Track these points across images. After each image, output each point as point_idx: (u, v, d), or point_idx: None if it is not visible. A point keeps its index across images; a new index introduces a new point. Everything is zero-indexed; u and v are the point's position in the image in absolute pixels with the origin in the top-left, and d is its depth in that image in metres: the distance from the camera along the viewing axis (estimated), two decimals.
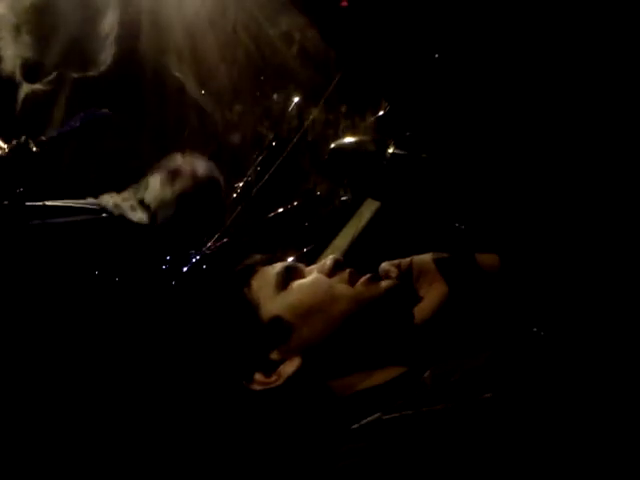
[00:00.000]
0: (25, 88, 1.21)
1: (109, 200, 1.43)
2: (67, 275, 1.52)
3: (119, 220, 1.51)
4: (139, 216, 1.49)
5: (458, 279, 1.14)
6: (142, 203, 1.50)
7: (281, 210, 1.77)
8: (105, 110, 1.44)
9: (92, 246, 1.53)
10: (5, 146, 1.24)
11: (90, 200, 1.46)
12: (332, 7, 1.44)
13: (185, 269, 1.68)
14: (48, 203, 1.44)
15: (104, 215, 1.51)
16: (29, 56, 1.13)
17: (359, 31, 1.48)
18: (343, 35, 1.48)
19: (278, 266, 1.13)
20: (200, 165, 1.52)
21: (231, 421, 1.09)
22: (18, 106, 1.24)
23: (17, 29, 1.07)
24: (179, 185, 1.49)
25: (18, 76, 1.16)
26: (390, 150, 1.61)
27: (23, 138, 1.28)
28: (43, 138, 1.29)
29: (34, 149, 1.26)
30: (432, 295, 1.13)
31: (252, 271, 1.15)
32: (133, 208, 1.45)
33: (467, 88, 1.58)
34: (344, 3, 1.43)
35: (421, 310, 1.12)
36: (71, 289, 1.52)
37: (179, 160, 1.53)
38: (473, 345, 1.08)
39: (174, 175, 1.51)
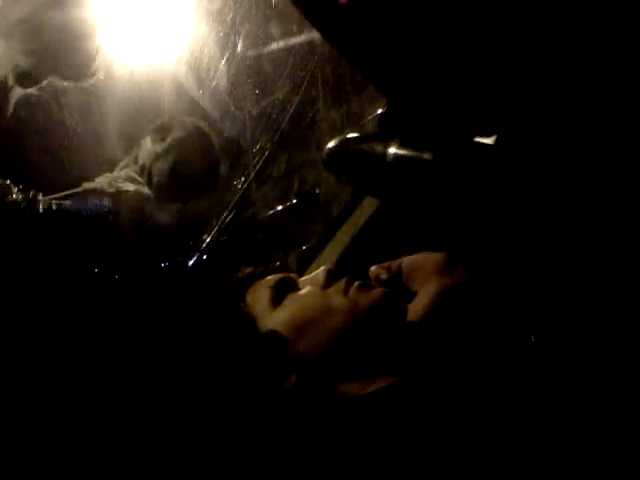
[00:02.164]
0: (17, 92, 1.21)
1: (104, 180, 1.43)
2: (65, 274, 1.52)
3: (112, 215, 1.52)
4: (137, 185, 1.50)
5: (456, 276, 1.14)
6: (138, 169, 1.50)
7: (280, 208, 1.77)
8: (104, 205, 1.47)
9: (89, 246, 1.54)
10: (15, 193, 1.25)
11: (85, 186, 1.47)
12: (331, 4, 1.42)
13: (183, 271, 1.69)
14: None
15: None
16: (20, 65, 1.12)
17: (358, 28, 1.45)
18: (342, 32, 1.46)
19: (271, 280, 1.13)
20: (187, 119, 1.54)
21: (229, 433, 1.09)
22: (10, 109, 1.23)
23: (9, 35, 1.07)
24: (170, 137, 1.49)
25: (11, 81, 1.16)
26: (393, 150, 1.60)
27: (32, 193, 1.29)
28: (53, 204, 1.31)
29: (40, 209, 1.29)
30: (423, 295, 1.12)
31: (246, 285, 1.15)
32: (129, 178, 1.45)
33: (468, 86, 1.57)
34: (343, 0, 1.40)
35: (414, 310, 1.12)
36: (69, 288, 1.52)
37: (166, 118, 1.54)
38: (470, 350, 1.08)
39: (163, 129, 1.51)
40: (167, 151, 1.49)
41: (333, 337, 1.06)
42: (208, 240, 1.67)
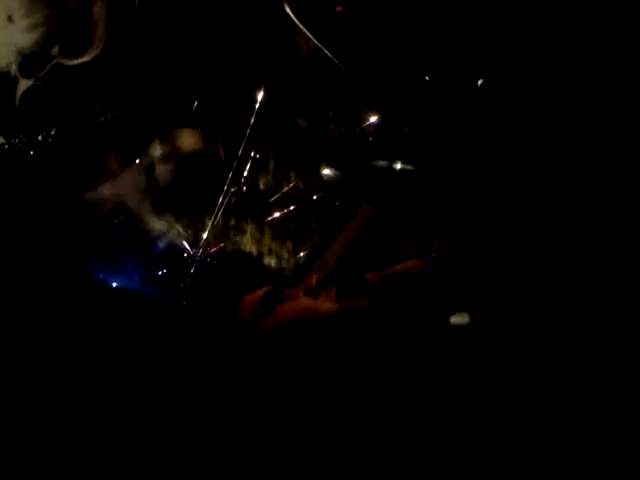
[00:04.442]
0: (22, 84, 1.24)
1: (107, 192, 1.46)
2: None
3: None
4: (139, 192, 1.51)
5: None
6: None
7: (278, 215, 1.79)
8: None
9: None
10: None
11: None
12: (326, 13, 1.48)
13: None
14: None
15: None
16: (23, 45, 1.15)
17: (353, 36, 1.51)
18: (337, 41, 1.51)
19: (262, 291, 1.19)
20: (196, 134, 1.57)
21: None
22: (17, 103, 1.26)
23: (9, 18, 1.10)
24: (177, 142, 1.52)
25: (14, 71, 1.18)
26: (399, 165, 1.65)
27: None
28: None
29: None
30: None
31: (239, 299, 1.20)
32: (134, 184, 1.47)
33: (465, 98, 1.60)
34: (338, 8, 1.46)
35: None
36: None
37: (176, 132, 1.57)
38: None
39: (171, 142, 1.53)
40: (175, 163, 1.53)
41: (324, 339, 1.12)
42: (203, 250, 1.69)
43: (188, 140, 1.60)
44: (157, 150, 1.57)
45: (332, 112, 1.72)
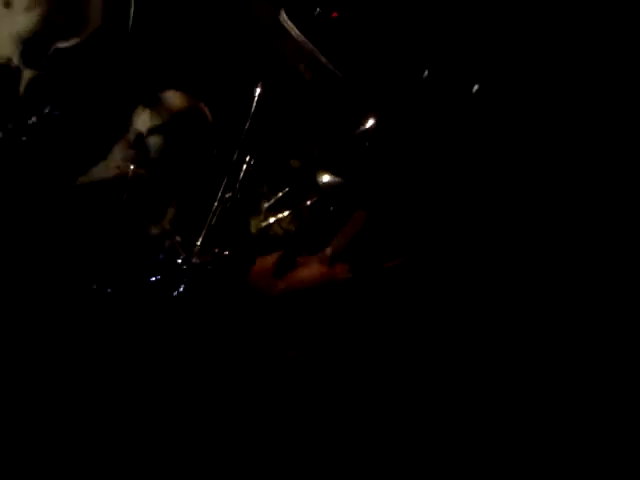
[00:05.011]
0: (26, 74, 1.28)
1: (98, 170, 1.46)
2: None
3: None
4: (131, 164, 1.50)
5: None
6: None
7: (273, 220, 1.80)
8: None
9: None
10: None
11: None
12: (323, 18, 1.51)
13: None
14: None
15: None
16: (23, 28, 1.18)
17: (349, 41, 1.53)
18: (334, 45, 1.54)
19: (275, 255, 1.21)
20: (180, 93, 1.57)
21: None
22: (21, 93, 1.29)
23: (6, 4, 1.13)
24: (165, 110, 1.52)
25: (16, 60, 1.21)
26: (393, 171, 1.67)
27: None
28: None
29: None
30: None
31: (251, 263, 1.24)
32: (125, 156, 1.47)
33: (460, 104, 1.62)
34: (334, 14, 1.50)
35: None
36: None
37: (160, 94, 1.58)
38: None
39: (156, 104, 1.55)
40: (163, 125, 1.55)
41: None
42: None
43: (173, 99, 1.60)
44: (142, 115, 1.57)
45: (327, 117, 1.75)
